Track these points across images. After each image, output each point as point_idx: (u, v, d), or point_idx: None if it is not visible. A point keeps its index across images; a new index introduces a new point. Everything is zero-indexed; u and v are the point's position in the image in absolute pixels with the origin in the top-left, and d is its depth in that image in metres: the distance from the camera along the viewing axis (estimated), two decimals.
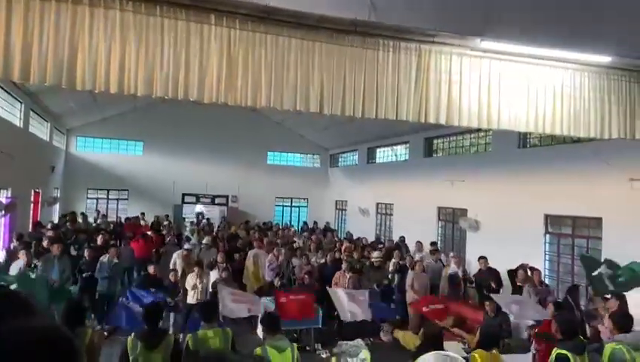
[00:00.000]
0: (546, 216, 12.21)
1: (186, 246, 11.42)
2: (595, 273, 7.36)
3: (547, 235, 12.25)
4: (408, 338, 8.08)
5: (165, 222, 18.73)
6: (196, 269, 9.36)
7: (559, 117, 5.53)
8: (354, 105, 5.11)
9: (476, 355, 5.03)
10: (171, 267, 10.49)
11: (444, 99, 5.30)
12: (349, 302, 9.05)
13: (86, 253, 10.08)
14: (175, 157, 22.15)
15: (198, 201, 22.78)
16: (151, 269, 9.35)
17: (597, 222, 10.83)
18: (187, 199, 22.64)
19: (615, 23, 5.33)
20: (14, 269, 8.31)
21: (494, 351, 5.13)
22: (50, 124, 18.03)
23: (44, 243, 10.45)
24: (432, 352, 4.59)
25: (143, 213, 19.66)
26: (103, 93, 4.72)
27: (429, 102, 5.28)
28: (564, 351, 5.13)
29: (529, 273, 10.17)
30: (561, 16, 5.24)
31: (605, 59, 5.37)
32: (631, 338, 5.25)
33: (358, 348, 5.02)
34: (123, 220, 18.29)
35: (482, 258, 10.94)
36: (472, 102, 5.34)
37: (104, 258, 9.68)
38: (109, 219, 18.94)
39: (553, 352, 5.27)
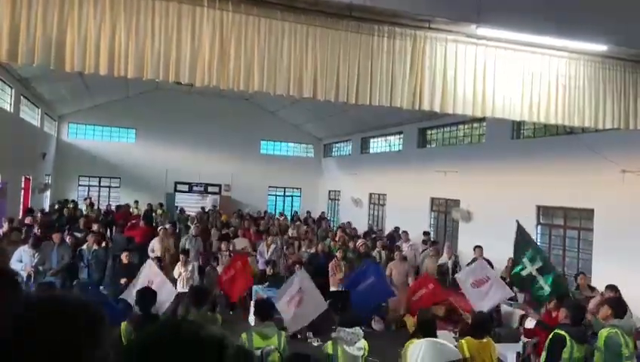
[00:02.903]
0: (538, 207, 12.25)
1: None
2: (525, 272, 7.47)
3: (539, 226, 12.30)
4: (411, 323, 8.16)
5: (159, 211, 18.67)
6: (182, 257, 9.49)
7: (554, 106, 5.51)
8: (348, 90, 5.06)
9: (463, 342, 5.06)
10: (150, 254, 10.53)
11: (438, 86, 5.26)
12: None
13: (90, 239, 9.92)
14: (168, 145, 21.99)
15: (190, 190, 22.68)
16: (124, 258, 9.12)
17: (588, 213, 10.88)
18: (180, 188, 22.53)
19: (611, 11, 5.30)
20: (17, 256, 8.28)
21: (485, 340, 5.14)
22: (42, 110, 17.82)
23: (36, 230, 10.41)
24: (426, 339, 4.62)
25: (136, 201, 19.57)
26: (94, 76, 4.65)
27: (424, 89, 5.24)
28: (562, 332, 5.22)
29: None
30: (557, 3, 5.20)
31: (601, 48, 5.34)
32: (624, 323, 5.35)
33: (356, 336, 5.00)
34: (114, 208, 18.23)
35: (478, 247, 11.02)
36: (466, 90, 5.31)
37: (85, 246, 9.60)
38: (101, 207, 18.90)
39: (553, 332, 5.37)
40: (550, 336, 5.43)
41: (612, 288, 7.84)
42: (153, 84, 19.94)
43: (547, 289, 7.18)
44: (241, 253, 10.58)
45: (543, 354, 5.43)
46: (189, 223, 15.18)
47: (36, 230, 10.67)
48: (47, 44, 4.32)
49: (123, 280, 8.49)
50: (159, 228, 12.47)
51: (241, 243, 12.18)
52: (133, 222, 14.55)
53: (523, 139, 13.14)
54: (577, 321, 5.44)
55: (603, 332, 5.49)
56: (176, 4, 4.55)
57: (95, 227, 11.47)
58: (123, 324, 4.74)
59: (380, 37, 5.07)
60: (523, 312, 9.25)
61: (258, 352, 4.35)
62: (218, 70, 4.66)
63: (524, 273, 7.71)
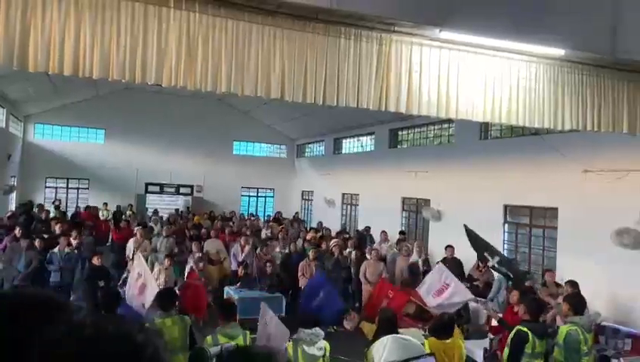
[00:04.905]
0: (505, 206, 12.56)
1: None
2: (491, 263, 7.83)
3: (506, 225, 12.61)
4: (368, 329, 8.20)
5: (129, 212, 18.43)
6: (153, 256, 9.52)
7: (515, 107, 5.69)
8: (315, 92, 5.13)
9: (426, 342, 5.13)
10: (128, 255, 10.45)
11: (404, 88, 5.37)
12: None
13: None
14: (138, 146, 21.69)
15: (162, 191, 22.43)
16: (95, 260, 8.98)
17: (553, 212, 11.21)
18: (151, 189, 22.26)
19: (568, 16, 5.51)
20: None
21: (448, 341, 5.19)
22: (7, 110, 17.37)
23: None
24: (390, 335, 4.71)
25: (105, 204, 19.25)
26: (61, 75, 4.60)
27: (390, 91, 5.34)
28: (525, 329, 5.41)
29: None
30: (518, 8, 5.38)
31: (559, 52, 5.54)
32: (585, 320, 5.56)
33: (316, 337, 5.02)
34: (82, 210, 17.96)
35: (449, 246, 11.30)
36: (431, 92, 5.44)
37: (55, 249, 9.42)
38: (68, 209, 18.57)
39: (515, 329, 5.55)
40: (513, 333, 5.61)
41: (572, 284, 8.12)
42: (122, 83, 19.64)
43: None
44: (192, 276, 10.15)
45: (506, 350, 5.60)
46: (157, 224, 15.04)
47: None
48: (9, 44, 4.26)
49: (101, 283, 8.42)
50: (135, 229, 12.36)
51: (212, 244, 12.08)
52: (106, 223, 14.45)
53: (491, 139, 13.44)
54: (536, 316, 5.64)
55: (563, 329, 5.68)
56: (142, 5, 4.54)
57: (63, 229, 11.26)
58: None
59: (346, 39, 5.16)
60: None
61: (217, 349, 4.36)
62: (185, 71, 4.67)
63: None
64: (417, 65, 5.39)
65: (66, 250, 9.44)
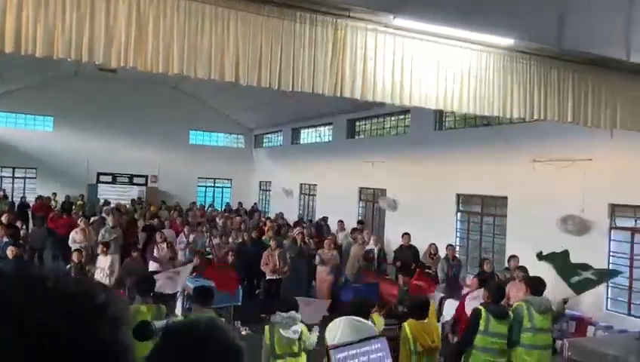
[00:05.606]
0: (458, 196, 12.90)
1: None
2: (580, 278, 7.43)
3: (459, 213, 12.95)
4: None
5: (79, 202, 17.88)
6: (100, 248, 9.40)
7: (466, 96, 5.82)
8: (270, 76, 5.08)
9: (406, 324, 5.27)
10: (71, 246, 10.17)
11: (359, 75, 5.40)
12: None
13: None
14: (89, 134, 20.97)
15: (115, 181, 21.82)
16: (9, 251, 8.49)
17: (503, 201, 11.59)
18: (103, 178, 21.60)
19: (517, 6, 5.69)
20: None
21: (426, 321, 5.38)
22: None
23: None
24: (344, 317, 4.79)
25: (54, 193, 18.57)
26: (6, 60, 4.40)
27: (345, 77, 5.36)
28: (479, 307, 5.63)
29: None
30: None
31: (508, 41, 5.70)
32: (537, 300, 5.81)
33: (292, 320, 5.14)
34: (30, 200, 17.27)
35: (406, 234, 11.54)
36: (385, 79, 5.48)
37: None
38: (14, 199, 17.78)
39: (472, 309, 5.80)
40: (471, 311, 5.87)
41: (522, 269, 8.49)
42: (72, 68, 18.91)
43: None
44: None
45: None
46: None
47: None
48: None
49: None
50: (80, 219, 12.03)
51: (167, 234, 11.97)
52: (54, 213, 13.87)
53: (445, 130, 13.74)
54: (497, 300, 5.89)
55: (514, 306, 6.03)
56: None
57: (5, 218, 10.81)
58: None
59: (301, 24, 5.13)
60: (442, 294, 9.78)
61: (163, 323, 4.33)
62: (135, 51, 4.52)
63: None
64: (372, 51, 5.42)
65: (5, 239, 9.08)
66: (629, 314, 8.84)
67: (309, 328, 5.45)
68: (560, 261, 7.39)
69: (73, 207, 16.56)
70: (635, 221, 9.10)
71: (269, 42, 5.06)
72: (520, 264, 8.88)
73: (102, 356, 0.92)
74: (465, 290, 9.15)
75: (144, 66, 4.59)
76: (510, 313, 5.79)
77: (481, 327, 5.56)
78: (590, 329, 8.86)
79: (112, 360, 0.96)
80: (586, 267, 7.10)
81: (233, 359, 1.08)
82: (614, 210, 9.38)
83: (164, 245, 10.32)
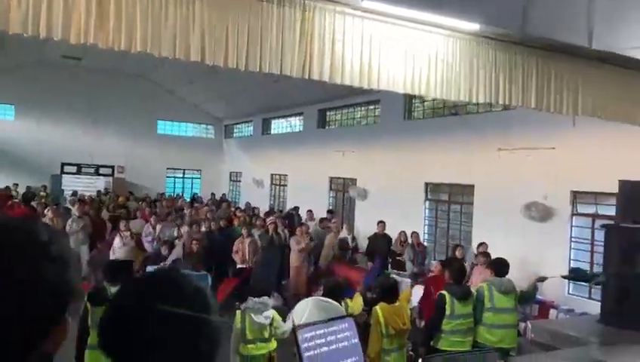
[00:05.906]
0: (427, 184, 13.06)
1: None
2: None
3: (427, 202, 13.12)
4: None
5: (42, 193, 17.36)
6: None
7: (433, 80, 5.86)
8: (237, 56, 5.00)
9: (377, 308, 5.27)
10: None
11: (327, 57, 5.37)
12: None
13: None
14: (53, 123, 20.38)
15: (79, 172, 21.27)
16: None
17: (470, 189, 11.80)
18: (67, 169, 21.04)
19: None
20: None
21: (397, 304, 5.42)
22: None
23: None
24: (312, 298, 4.80)
25: (16, 184, 17.97)
26: None
27: (313, 59, 5.32)
28: (443, 292, 5.73)
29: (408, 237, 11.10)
30: None
31: (474, 26, 5.76)
32: (498, 281, 5.94)
33: (264, 306, 5.13)
34: None
35: (381, 222, 11.68)
36: (354, 62, 5.47)
37: None
38: None
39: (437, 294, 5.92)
40: (436, 296, 5.97)
41: (484, 254, 8.69)
42: (35, 56, 18.32)
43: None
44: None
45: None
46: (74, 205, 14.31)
47: None
48: None
49: None
50: (47, 208, 11.69)
51: (136, 224, 11.85)
52: (13, 202, 13.43)
53: (414, 120, 13.88)
54: (458, 281, 6.00)
55: (476, 287, 6.17)
56: None
57: None
58: None
59: (269, 3, 5.06)
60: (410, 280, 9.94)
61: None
62: (96, 27, 4.37)
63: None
64: (340, 34, 5.40)
65: None
66: (590, 298, 9.12)
67: (285, 316, 5.41)
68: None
69: (35, 198, 16.06)
70: (596, 207, 9.38)
71: (235, 21, 4.98)
72: (487, 251, 9.05)
73: (46, 292, 0.88)
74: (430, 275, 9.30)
75: (105, 43, 4.45)
76: (473, 292, 5.92)
77: (447, 311, 5.67)
78: (552, 313, 9.13)
79: (58, 299, 0.92)
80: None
81: (194, 296, 1.07)
82: (576, 196, 9.65)
83: (128, 233, 10.12)
